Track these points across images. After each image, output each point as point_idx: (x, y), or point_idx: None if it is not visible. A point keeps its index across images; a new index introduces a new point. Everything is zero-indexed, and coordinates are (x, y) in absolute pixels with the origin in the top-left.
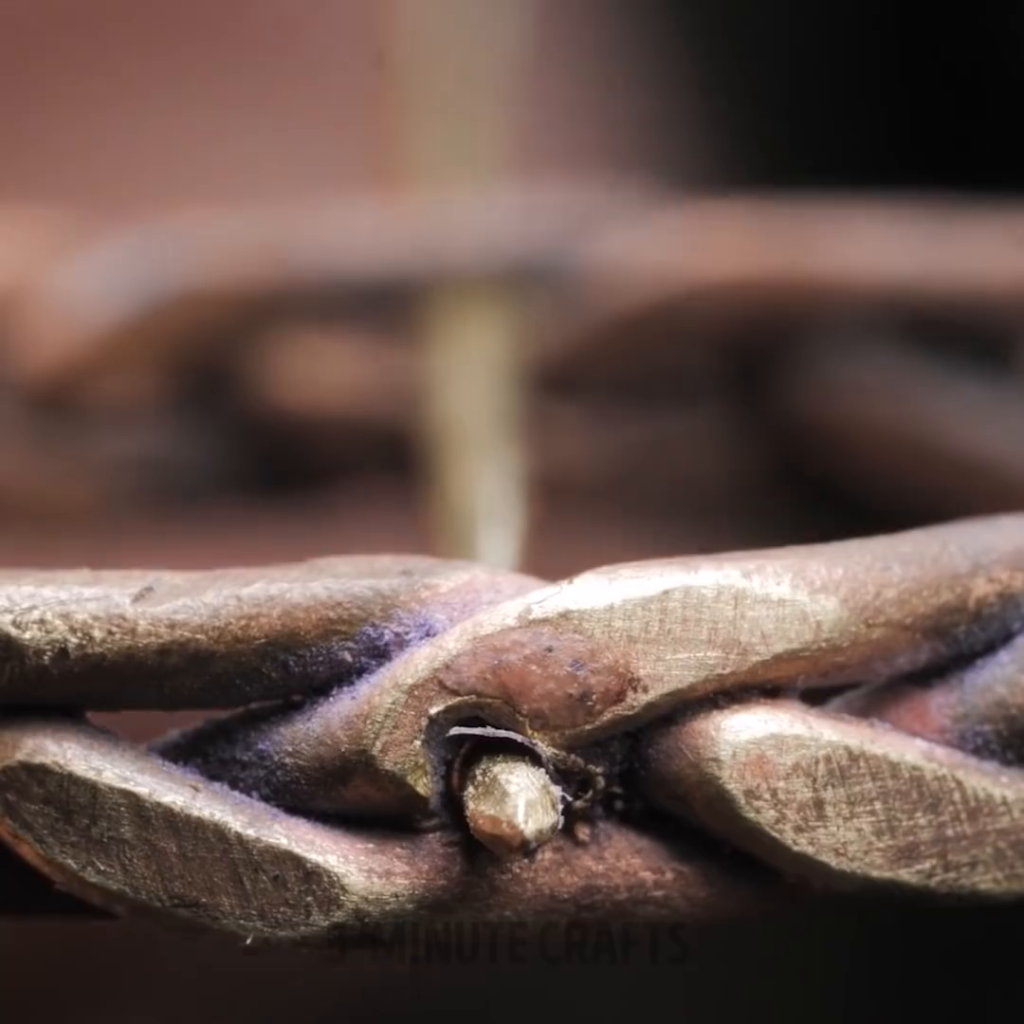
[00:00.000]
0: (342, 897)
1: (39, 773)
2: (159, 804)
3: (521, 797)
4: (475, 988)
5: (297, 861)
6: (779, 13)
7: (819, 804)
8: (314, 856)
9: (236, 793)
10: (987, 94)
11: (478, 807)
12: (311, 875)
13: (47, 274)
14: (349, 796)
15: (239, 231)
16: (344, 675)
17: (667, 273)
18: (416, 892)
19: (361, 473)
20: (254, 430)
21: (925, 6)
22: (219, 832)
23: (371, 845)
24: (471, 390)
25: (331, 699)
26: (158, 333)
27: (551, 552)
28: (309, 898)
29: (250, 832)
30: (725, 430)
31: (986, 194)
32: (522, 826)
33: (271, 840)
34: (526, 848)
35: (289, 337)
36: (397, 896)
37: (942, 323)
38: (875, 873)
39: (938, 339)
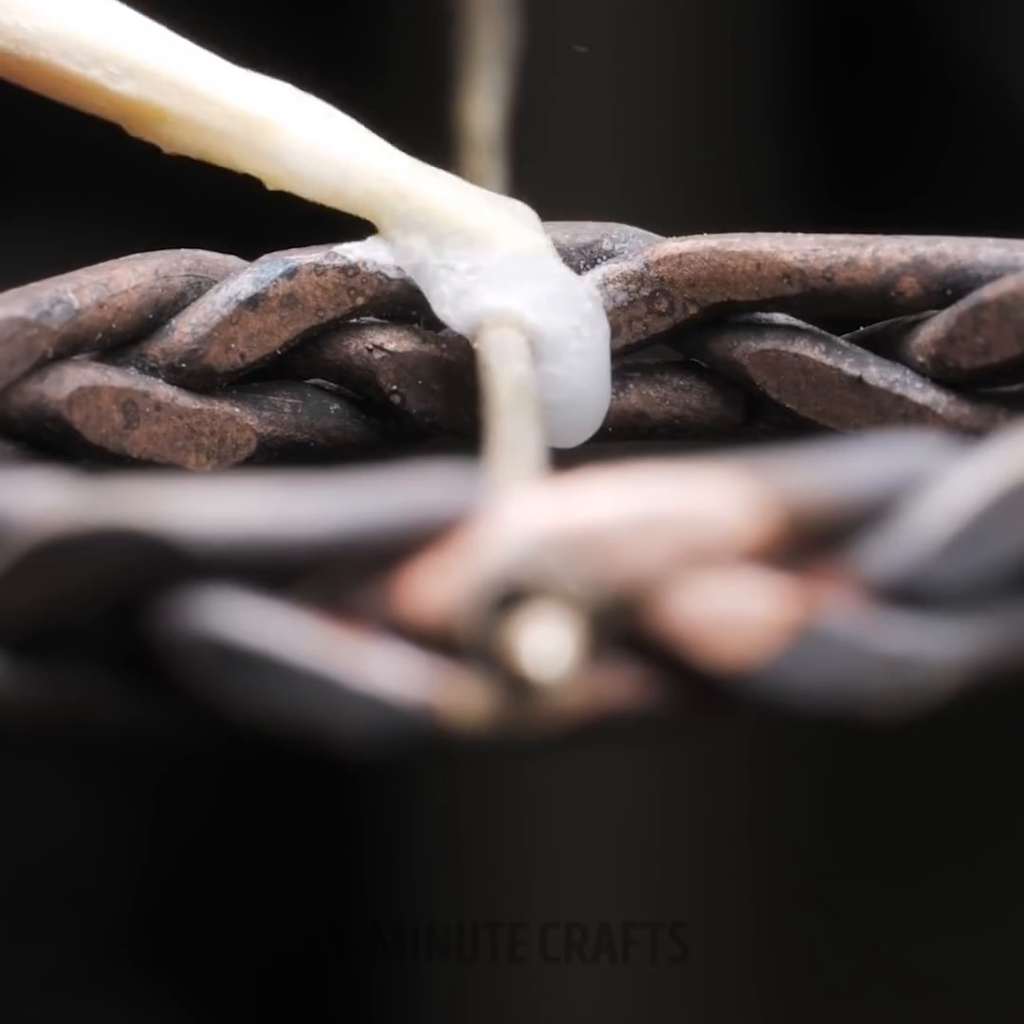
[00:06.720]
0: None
1: None
2: None
3: (550, 641)
4: None
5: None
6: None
7: None
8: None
9: None
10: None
11: (513, 645)
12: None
13: None
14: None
15: None
16: None
17: None
18: (456, 713)
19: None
20: None
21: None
22: None
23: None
24: None
25: None
26: None
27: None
28: None
29: None
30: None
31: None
32: (548, 664)
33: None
34: (550, 684)
35: None
36: (432, 717)
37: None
38: None
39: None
